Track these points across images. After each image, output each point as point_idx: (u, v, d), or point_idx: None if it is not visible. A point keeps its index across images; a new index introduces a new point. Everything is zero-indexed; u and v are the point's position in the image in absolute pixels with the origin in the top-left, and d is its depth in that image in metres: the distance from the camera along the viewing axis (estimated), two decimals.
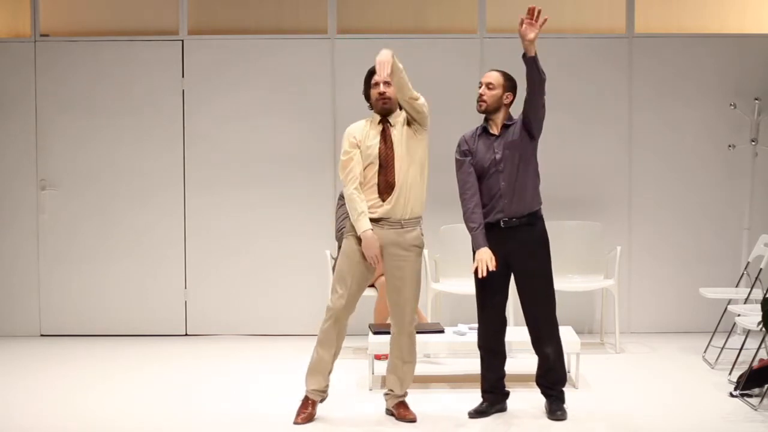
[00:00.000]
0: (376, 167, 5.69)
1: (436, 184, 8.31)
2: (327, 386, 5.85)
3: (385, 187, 5.68)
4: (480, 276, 5.68)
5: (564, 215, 8.13)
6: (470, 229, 5.73)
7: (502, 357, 5.91)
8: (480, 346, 5.89)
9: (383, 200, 5.68)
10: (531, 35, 5.60)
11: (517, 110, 5.84)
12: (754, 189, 8.22)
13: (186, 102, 8.49)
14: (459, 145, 5.84)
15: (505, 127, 5.77)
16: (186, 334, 8.53)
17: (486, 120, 5.80)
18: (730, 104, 8.14)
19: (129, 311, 8.50)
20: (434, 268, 7.92)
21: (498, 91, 5.75)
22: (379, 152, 5.69)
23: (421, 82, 8.37)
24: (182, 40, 8.48)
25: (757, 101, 8.14)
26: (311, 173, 8.43)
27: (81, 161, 8.50)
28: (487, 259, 5.64)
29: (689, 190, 8.48)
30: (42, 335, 8.53)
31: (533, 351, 5.90)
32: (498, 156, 5.71)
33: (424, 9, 8.64)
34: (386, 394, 5.91)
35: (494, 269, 5.65)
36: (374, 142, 5.72)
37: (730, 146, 8.18)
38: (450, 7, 8.59)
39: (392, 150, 5.69)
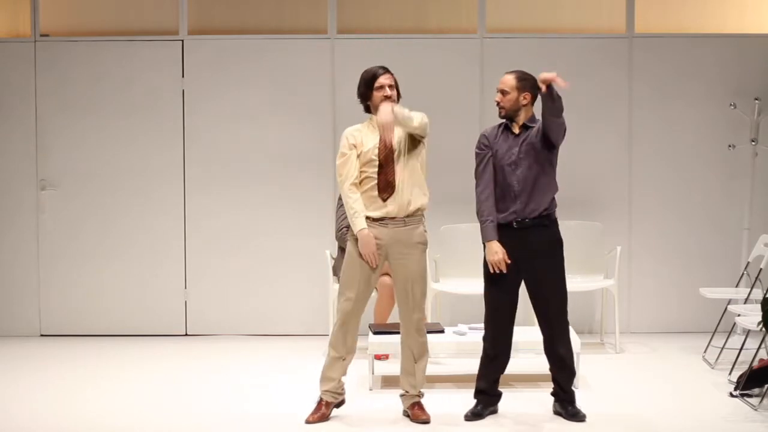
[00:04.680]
0: (376, 167, 5.70)
1: (436, 184, 8.30)
2: (341, 388, 5.86)
3: (385, 185, 5.69)
4: (492, 272, 5.67)
5: (564, 215, 8.05)
6: (481, 222, 5.71)
7: (505, 360, 5.90)
8: (486, 347, 5.87)
9: (384, 199, 5.69)
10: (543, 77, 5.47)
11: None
12: (754, 189, 8.21)
13: (186, 102, 8.49)
14: (479, 140, 5.81)
15: (526, 127, 5.75)
16: (186, 334, 8.52)
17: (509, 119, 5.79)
18: (730, 104, 8.14)
19: (129, 311, 8.50)
20: (434, 268, 7.91)
21: (513, 95, 5.70)
22: (379, 152, 5.70)
23: (421, 82, 8.43)
24: (182, 40, 8.48)
25: (757, 101, 8.14)
26: (311, 173, 8.43)
27: (81, 161, 8.50)
28: (500, 257, 5.64)
29: (689, 190, 8.48)
30: (42, 335, 8.53)
31: (544, 354, 5.88)
32: (516, 156, 5.70)
33: (424, 9, 8.64)
34: (402, 395, 5.90)
35: (508, 262, 5.65)
36: (373, 144, 5.73)
37: (730, 146, 8.18)
38: (450, 7, 8.59)
39: (392, 150, 5.70)
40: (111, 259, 8.50)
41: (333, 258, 7.64)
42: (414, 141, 5.75)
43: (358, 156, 5.73)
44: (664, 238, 8.49)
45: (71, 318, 8.51)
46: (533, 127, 5.74)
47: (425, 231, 5.82)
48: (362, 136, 5.77)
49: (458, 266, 7.76)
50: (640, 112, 8.46)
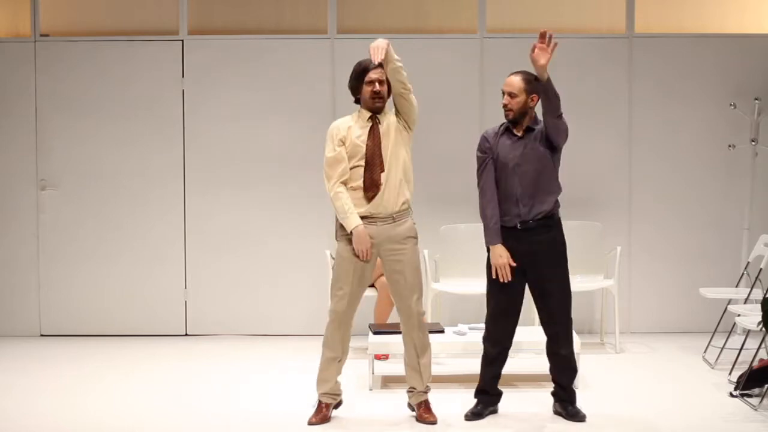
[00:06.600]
0: (363, 165, 5.66)
1: (436, 184, 8.34)
2: (338, 389, 5.84)
3: (371, 185, 5.64)
4: (502, 281, 5.66)
5: (564, 215, 8.05)
6: (485, 226, 5.68)
7: (504, 359, 5.90)
8: (486, 348, 5.87)
9: (368, 199, 5.64)
10: (542, 61, 5.53)
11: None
12: (754, 189, 8.22)
13: (186, 102, 8.49)
14: (480, 143, 5.77)
15: (530, 129, 5.72)
16: (186, 334, 8.53)
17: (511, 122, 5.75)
18: (730, 104, 8.14)
19: (129, 311, 8.50)
20: (434, 268, 7.91)
21: (521, 98, 5.66)
22: (366, 149, 5.66)
23: (421, 82, 8.38)
24: (182, 40, 8.48)
25: (757, 101, 8.14)
26: (311, 173, 8.42)
27: (81, 161, 8.50)
28: (505, 261, 5.63)
29: (689, 190, 8.48)
30: (42, 335, 8.53)
31: (546, 353, 5.88)
32: (518, 159, 5.67)
33: (424, 9, 8.64)
34: (408, 392, 5.87)
35: (514, 265, 5.63)
36: (361, 138, 5.68)
37: (730, 146, 8.18)
38: (450, 7, 8.59)
39: (379, 148, 5.65)
40: (111, 259, 8.50)
41: (333, 258, 7.62)
42: (402, 130, 5.69)
43: (345, 147, 5.68)
44: (663, 238, 8.49)
45: (71, 318, 8.51)
46: (535, 129, 5.72)
47: (414, 223, 5.78)
48: (350, 130, 5.71)
49: (458, 266, 7.76)
50: (640, 112, 8.46)
